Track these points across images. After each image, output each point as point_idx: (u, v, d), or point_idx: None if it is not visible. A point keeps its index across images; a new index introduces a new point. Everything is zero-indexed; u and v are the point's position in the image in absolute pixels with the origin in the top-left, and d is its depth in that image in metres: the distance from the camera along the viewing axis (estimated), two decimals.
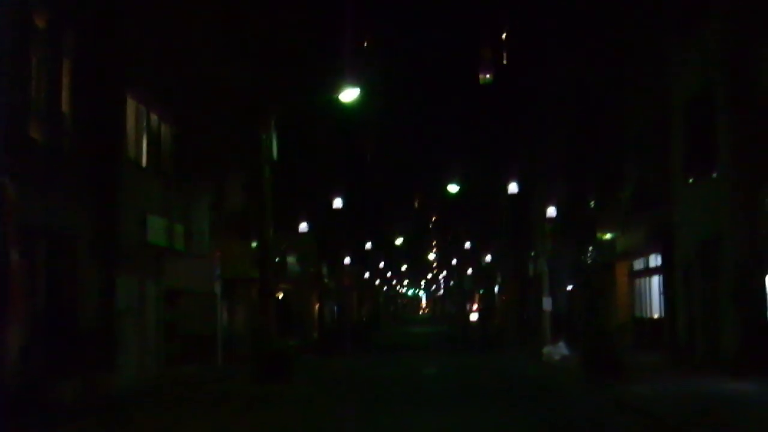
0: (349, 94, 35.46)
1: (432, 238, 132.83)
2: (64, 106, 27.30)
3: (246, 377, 34.71)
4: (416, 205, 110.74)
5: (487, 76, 66.02)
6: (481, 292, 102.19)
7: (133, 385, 31.81)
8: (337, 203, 58.30)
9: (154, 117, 34.31)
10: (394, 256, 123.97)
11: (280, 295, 69.37)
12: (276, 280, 63.23)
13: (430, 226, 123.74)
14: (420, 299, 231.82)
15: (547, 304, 47.26)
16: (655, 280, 42.83)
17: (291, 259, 64.08)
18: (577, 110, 48.94)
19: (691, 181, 35.75)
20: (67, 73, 27.46)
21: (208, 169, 38.85)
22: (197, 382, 34.32)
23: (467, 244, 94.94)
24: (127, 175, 30.81)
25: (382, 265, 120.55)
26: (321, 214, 59.95)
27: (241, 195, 45.34)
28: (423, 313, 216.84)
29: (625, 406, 25.10)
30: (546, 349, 44.55)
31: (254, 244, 54.89)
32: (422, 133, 71.70)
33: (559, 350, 43.74)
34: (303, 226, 56.84)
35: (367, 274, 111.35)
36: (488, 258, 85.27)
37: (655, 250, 41.04)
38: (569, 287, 57.36)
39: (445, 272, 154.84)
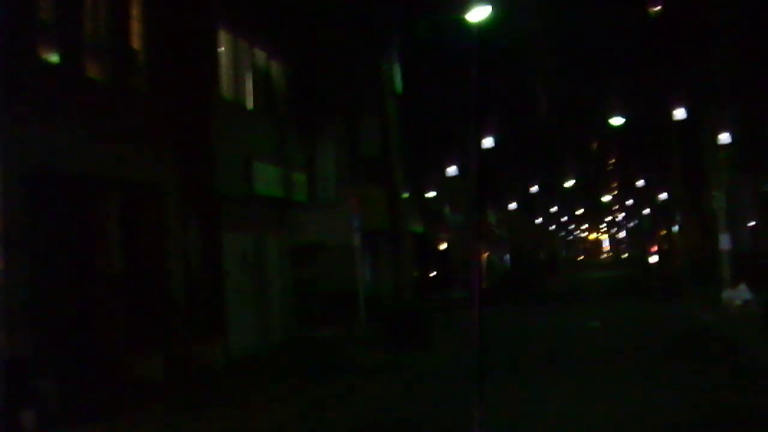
0: (478, 13, 30.85)
1: (610, 180, 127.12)
2: (135, 42, 23.67)
3: (381, 342, 30.84)
4: (594, 147, 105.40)
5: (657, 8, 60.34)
6: (662, 233, 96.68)
7: (252, 352, 28.33)
8: (491, 143, 53.67)
9: (260, 53, 30.55)
10: (568, 200, 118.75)
11: (443, 246, 65.74)
12: (436, 230, 59.85)
13: (608, 168, 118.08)
14: (601, 243, 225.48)
15: (724, 242, 41.95)
16: None
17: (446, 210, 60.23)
18: (747, 20, 43.48)
19: None
20: (137, 3, 23.85)
21: (332, 109, 34.90)
22: (324, 347, 30.54)
23: (640, 182, 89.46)
24: (224, 118, 27.08)
25: (555, 209, 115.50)
26: (479, 157, 55.56)
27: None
28: (605, 257, 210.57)
29: None
30: (725, 294, 39.46)
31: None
32: (580, 62, 66.50)
33: (741, 295, 38.63)
34: (452, 170, 52.51)
35: (539, 220, 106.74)
36: (664, 195, 79.77)
37: None
38: (751, 223, 51.93)
39: (624, 214, 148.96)
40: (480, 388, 8.46)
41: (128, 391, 20.84)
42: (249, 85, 29.56)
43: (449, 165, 52.04)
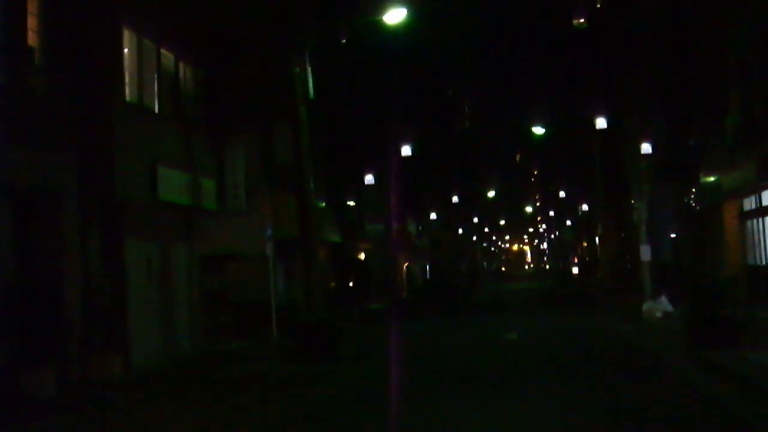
0: (394, 15, 29.97)
1: (531, 191, 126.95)
2: (31, 39, 22.43)
3: (292, 355, 29.68)
4: (517, 159, 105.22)
5: (581, 20, 59.79)
6: (584, 244, 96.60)
7: (157, 366, 27.13)
8: (408, 152, 52.75)
9: (167, 55, 29.35)
10: (490, 211, 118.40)
11: (362, 256, 64.84)
12: (354, 240, 58.86)
13: (531, 179, 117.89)
14: (525, 254, 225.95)
15: (645, 253, 41.33)
16: None
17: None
18: (671, 31, 43.07)
19: None
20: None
21: (243, 114, 33.75)
22: (231, 359, 29.41)
23: (562, 194, 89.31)
24: (127, 122, 25.86)
25: (477, 220, 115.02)
26: (397, 165, 54.56)
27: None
28: (528, 268, 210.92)
29: (739, 379, 19.62)
30: (646, 306, 38.83)
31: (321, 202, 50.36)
32: (498, 68, 66.08)
33: (661, 306, 38.03)
34: (370, 179, 51.50)
35: (461, 230, 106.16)
36: (585, 207, 79.62)
37: None
38: (672, 235, 51.53)
39: (545, 225, 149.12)
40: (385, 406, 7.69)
41: (12, 408, 19.54)
42: (155, 88, 28.33)
43: (367, 174, 51.03)
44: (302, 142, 29.08)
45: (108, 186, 24.68)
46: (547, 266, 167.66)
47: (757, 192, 37.75)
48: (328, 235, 49.89)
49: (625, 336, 32.70)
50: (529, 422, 16.60)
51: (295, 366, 26.99)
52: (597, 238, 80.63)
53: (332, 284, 53.82)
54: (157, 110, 28.41)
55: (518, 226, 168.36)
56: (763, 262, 38.22)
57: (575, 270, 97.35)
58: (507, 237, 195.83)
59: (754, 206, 39.36)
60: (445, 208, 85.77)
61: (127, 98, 26.37)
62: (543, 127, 60.58)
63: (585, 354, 27.41)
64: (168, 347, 29.53)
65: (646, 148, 43.68)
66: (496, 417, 17.26)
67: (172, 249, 30.62)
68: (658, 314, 37.52)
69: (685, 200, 49.11)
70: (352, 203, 56.25)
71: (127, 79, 26.36)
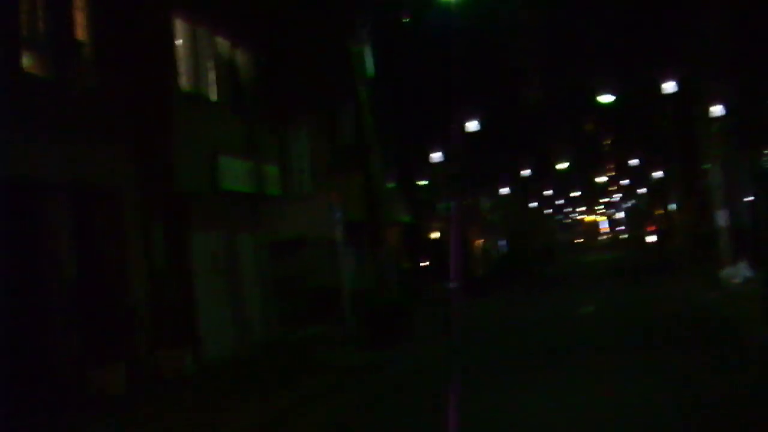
0: None
1: (604, 161, 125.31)
2: (80, 33, 22.11)
3: (365, 340, 29.20)
4: (588, 129, 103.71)
5: None
6: (659, 212, 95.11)
7: (229, 356, 26.84)
8: (476, 126, 51.94)
9: (222, 42, 28.95)
10: (563, 183, 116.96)
11: (436, 236, 64.25)
12: (426, 220, 58.28)
13: (603, 149, 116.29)
14: (599, 225, 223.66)
15: (721, 218, 40.33)
16: None
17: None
18: None
19: None
20: None
21: (303, 97, 33.27)
22: (304, 347, 29.04)
23: (635, 161, 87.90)
24: (185, 112, 25.52)
25: (550, 192, 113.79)
26: (463, 142, 53.77)
27: None
28: (603, 239, 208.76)
29: None
30: (724, 273, 37.85)
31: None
32: (564, 36, 64.74)
33: (741, 272, 37.06)
34: (437, 156, 50.79)
35: (534, 204, 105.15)
36: (660, 174, 78.25)
37: None
38: (750, 198, 50.30)
39: (621, 194, 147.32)
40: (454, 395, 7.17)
41: (86, 407, 19.30)
42: (212, 76, 27.97)
43: (435, 151, 50.36)
44: (365, 122, 28.53)
45: (168, 178, 24.36)
46: (623, 236, 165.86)
47: None
48: (399, 216, 49.40)
49: (704, 305, 31.83)
50: (599, 414, 15.77)
51: (367, 351, 26.57)
52: (672, 205, 79.34)
53: (406, 265, 53.30)
54: (215, 99, 28.04)
55: (592, 196, 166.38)
56: None
57: (652, 238, 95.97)
58: (582, 208, 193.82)
59: None
60: (516, 182, 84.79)
61: (183, 88, 26.04)
62: (613, 95, 59.30)
63: (665, 326, 26.61)
64: (240, 337, 29.22)
65: (718, 110, 42.53)
66: (566, 400, 16.66)
67: (239, 238, 30.26)
68: (738, 280, 36.59)
69: (761, 161, 47.95)
70: (423, 183, 55.67)
71: (182, 69, 26.01)
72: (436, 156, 50.54)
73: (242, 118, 29.49)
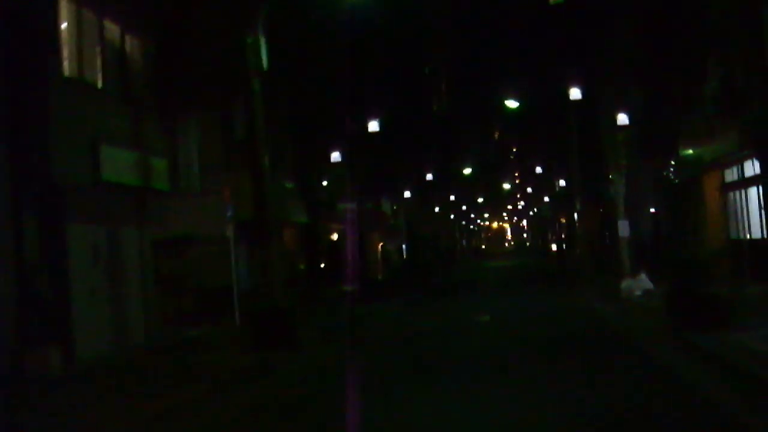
0: None
1: (510, 168, 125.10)
2: None
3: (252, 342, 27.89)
4: (496, 136, 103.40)
5: None
6: (562, 220, 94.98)
7: (106, 357, 25.43)
8: (376, 127, 50.86)
9: (112, 27, 27.53)
10: (468, 188, 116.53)
11: (335, 237, 63.17)
12: (325, 221, 57.02)
13: (509, 156, 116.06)
14: (504, 231, 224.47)
15: (623, 229, 39.73)
16: (753, 193, 35.27)
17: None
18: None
19: None
20: None
21: (197, 91, 31.94)
22: (187, 349, 27.68)
23: (539, 169, 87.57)
24: (65, 98, 24.07)
25: (454, 198, 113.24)
26: (363, 142, 52.69)
27: None
28: (508, 245, 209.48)
29: (724, 364, 17.97)
30: (625, 284, 37.21)
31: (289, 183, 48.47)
32: (472, 41, 64.14)
33: (641, 284, 36.43)
34: (336, 156, 49.60)
35: (438, 209, 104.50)
36: (562, 183, 77.90)
37: (751, 156, 33.34)
38: (651, 210, 49.89)
39: (523, 202, 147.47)
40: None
41: None
42: (98, 62, 26.52)
43: (334, 151, 49.19)
44: (256, 116, 27.20)
45: (44, 167, 22.90)
46: (527, 243, 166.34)
47: (739, 162, 36.08)
48: (296, 216, 48.20)
49: (603, 317, 31.05)
50: (485, 425, 14.81)
51: (252, 355, 25.32)
52: (575, 215, 79.07)
53: (302, 266, 52.13)
54: (100, 86, 26.61)
55: (497, 203, 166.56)
56: (747, 236, 36.58)
57: (554, 247, 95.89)
58: (486, 215, 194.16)
59: (736, 177, 37.68)
60: (420, 185, 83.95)
61: (66, 73, 24.58)
62: (519, 101, 58.73)
63: (559, 339, 25.62)
64: (119, 338, 27.82)
65: (622, 119, 41.95)
66: (452, 414, 15.60)
67: (122, 233, 28.84)
68: (638, 292, 35.99)
69: (664, 173, 47.46)
70: (323, 183, 54.49)
71: (66, 53, 24.57)
72: (336, 155, 49.34)
73: (130, 107, 28.09)
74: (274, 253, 27.50)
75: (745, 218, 36.80)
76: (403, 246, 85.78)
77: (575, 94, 45.99)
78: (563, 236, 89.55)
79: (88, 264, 26.24)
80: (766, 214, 32.19)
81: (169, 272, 34.99)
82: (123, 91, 28.06)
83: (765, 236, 33.41)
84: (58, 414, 17.36)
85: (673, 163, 45.73)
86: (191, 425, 16.44)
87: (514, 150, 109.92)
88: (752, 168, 34.47)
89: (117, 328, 27.88)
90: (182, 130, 30.87)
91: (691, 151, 40.89)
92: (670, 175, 46.82)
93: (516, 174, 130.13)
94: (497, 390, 17.54)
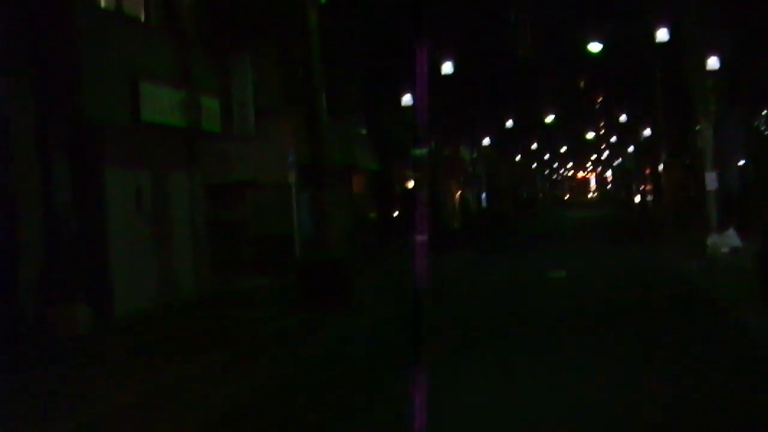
0: None
1: (594, 116, 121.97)
2: None
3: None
4: (581, 84, 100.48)
5: None
6: (647, 171, 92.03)
7: (150, 310, 23.71)
8: (450, 69, 48.51)
9: None
10: (550, 137, 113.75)
11: (409, 185, 61.18)
12: (398, 167, 54.93)
13: (592, 104, 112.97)
14: (588, 181, 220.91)
15: (710, 181, 37.06)
16: None
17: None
18: None
19: None
20: None
21: (252, 24, 29.83)
22: (237, 303, 25.90)
23: (623, 118, 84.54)
24: (100, 31, 22.05)
25: (535, 146, 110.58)
26: (440, 85, 50.29)
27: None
28: (591, 195, 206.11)
29: None
30: (711, 240, 34.65)
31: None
32: None
33: (728, 241, 33.88)
34: (409, 99, 47.34)
35: (519, 157, 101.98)
36: (648, 132, 74.91)
37: None
38: (741, 162, 47.17)
39: (608, 152, 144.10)
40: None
41: None
42: None
43: (406, 94, 46.94)
44: (312, 52, 25.08)
45: (75, 104, 20.96)
46: (611, 194, 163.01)
47: None
48: (365, 162, 46.16)
49: (688, 278, 28.60)
50: (536, 411, 12.57)
51: (302, 312, 23.42)
52: (660, 166, 76.30)
53: (373, 215, 50.14)
54: (143, 18, 24.63)
55: (581, 153, 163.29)
56: None
57: (638, 198, 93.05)
58: (569, 164, 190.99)
59: None
60: (501, 133, 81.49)
61: (102, 4, 22.62)
62: (603, 45, 56.03)
63: (639, 304, 23.26)
64: (166, 290, 26.02)
65: (712, 63, 39.18)
66: (503, 390, 13.49)
67: (170, 177, 26.95)
68: (725, 249, 33.45)
69: (756, 124, 44.76)
70: (396, 128, 52.31)
71: None
72: (409, 99, 47.12)
73: (176, 42, 26.07)
74: (328, 201, 25.46)
75: None
76: (483, 195, 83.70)
77: (661, 35, 43.17)
78: (647, 188, 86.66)
79: (130, 210, 24.47)
80: None
81: (225, 220, 33.20)
82: (168, 24, 26.07)
83: None
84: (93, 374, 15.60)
85: (765, 113, 43.05)
86: (194, 405, 14.30)
87: (599, 99, 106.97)
88: None
89: (163, 279, 26.09)
90: (236, 69, 28.72)
91: None
92: (762, 125, 44.14)
93: (600, 123, 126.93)
94: (560, 365, 15.38)
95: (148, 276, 25.11)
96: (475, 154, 79.37)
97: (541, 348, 17.13)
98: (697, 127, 40.82)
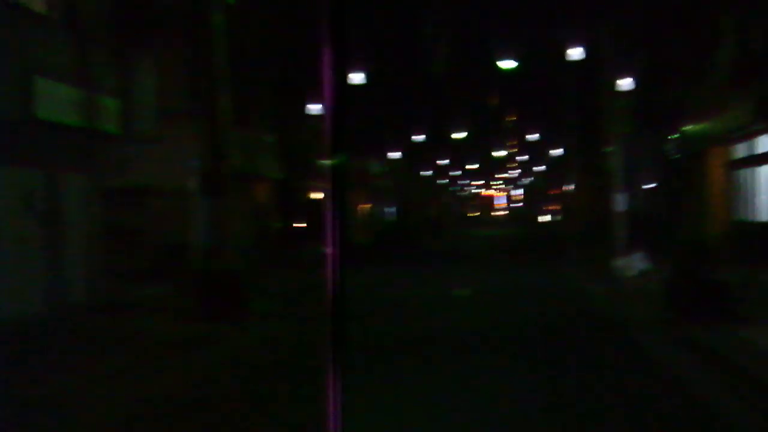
0: None
1: (505, 135, 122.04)
2: None
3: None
4: (493, 102, 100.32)
5: None
6: (555, 191, 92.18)
7: (30, 317, 22.55)
8: (362, 79, 47.74)
9: None
10: (460, 153, 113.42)
11: (315, 195, 60.41)
12: (306, 178, 54.02)
13: (504, 122, 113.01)
14: (496, 199, 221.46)
15: (619, 203, 36.72)
16: (765, 171, 32.34)
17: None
18: None
19: None
20: None
21: (157, 23, 28.80)
22: (128, 311, 24.85)
23: (534, 136, 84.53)
24: None
25: (446, 162, 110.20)
26: (350, 95, 49.49)
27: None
28: (499, 214, 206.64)
29: (741, 372, 15.01)
30: (619, 262, 34.28)
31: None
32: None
33: (636, 263, 33.50)
34: (317, 109, 46.53)
35: (428, 173, 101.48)
36: (559, 152, 74.94)
37: (767, 130, 30.37)
38: (650, 185, 46.95)
39: (518, 171, 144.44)
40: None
41: None
42: None
43: (316, 103, 46.08)
44: (215, 53, 24.11)
45: None
46: (520, 213, 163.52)
47: (751, 137, 33.08)
48: (270, 171, 45.30)
49: (594, 299, 28.06)
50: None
51: (195, 323, 22.47)
52: (570, 186, 76.28)
53: (277, 225, 49.19)
54: (39, 11, 23.50)
55: (491, 170, 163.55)
56: (755, 218, 33.59)
57: (546, 218, 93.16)
58: (479, 182, 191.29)
59: (746, 153, 34.64)
60: (410, 147, 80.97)
61: None
62: (517, 62, 55.63)
63: (542, 325, 22.60)
64: (55, 295, 24.84)
65: (625, 84, 38.85)
66: (398, 411, 12.69)
67: (65, 179, 25.82)
68: (633, 272, 33.08)
69: (665, 147, 44.53)
70: (303, 137, 51.44)
71: None
72: (318, 108, 46.32)
73: (76, 38, 24.95)
74: (227, 210, 24.51)
75: (753, 199, 33.85)
76: (390, 209, 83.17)
77: (575, 54, 42.80)
78: (556, 207, 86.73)
79: (19, 212, 23.30)
80: None
81: (123, 226, 32.10)
82: (68, 19, 24.94)
83: None
84: None
85: (675, 136, 42.85)
86: (66, 421, 13.37)
87: (511, 118, 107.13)
88: (767, 144, 31.54)
89: (52, 285, 24.92)
90: (139, 68, 27.68)
91: (697, 123, 37.96)
92: (671, 148, 43.95)
93: (512, 142, 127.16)
94: (462, 384, 14.61)
95: (35, 281, 23.96)
96: (384, 168, 78.83)
97: (434, 370, 16.33)
98: (608, 149, 40.44)
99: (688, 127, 40.20)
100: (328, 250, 5.04)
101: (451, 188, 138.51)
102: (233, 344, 20.33)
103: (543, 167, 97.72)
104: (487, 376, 15.57)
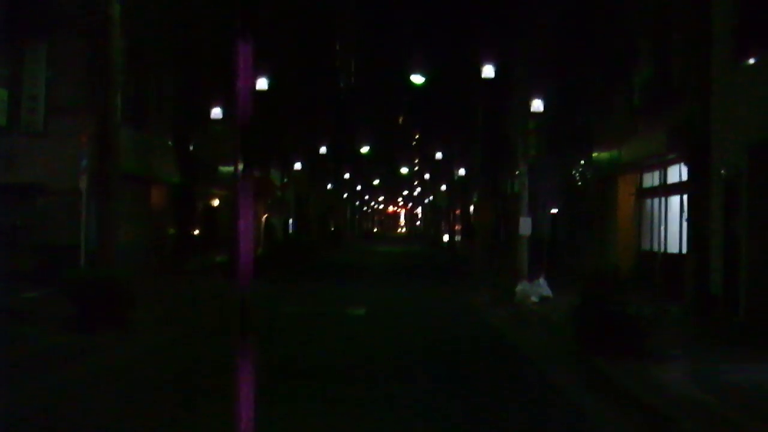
0: None
1: (410, 152, 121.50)
2: None
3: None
4: (399, 120, 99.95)
5: None
6: (457, 212, 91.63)
7: None
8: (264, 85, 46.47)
9: None
10: (364, 168, 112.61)
11: (215, 203, 59.06)
12: (203, 184, 52.52)
13: (410, 140, 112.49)
14: (398, 216, 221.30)
15: (525, 227, 35.75)
16: (675, 201, 31.63)
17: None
18: None
19: (751, 62, 23.76)
20: None
21: (51, 12, 27.34)
22: (6, 318, 23.25)
23: (439, 155, 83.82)
24: None
25: (348, 176, 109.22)
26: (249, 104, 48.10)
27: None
28: (400, 231, 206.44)
29: (651, 413, 14.01)
30: (520, 287, 33.35)
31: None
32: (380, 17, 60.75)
33: (538, 290, 32.59)
34: (217, 112, 45.18)
35: (330, 186, 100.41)
36: (462, 171, 74.23)
37: (679, 160, 29.64)
38: (553, 210, 46.28)
39: (420, 188, 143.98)
40: None
41: None
42: None
43: (215, 106, 44.73)
44: (110, 46, 22.71)
45: None
46: (421, 231, 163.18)
47: (663, 166, 32.41)
48: (167, 175, 43.81)
49: (494, 326, 26.97)
50: None
51: (71, 333, 21.06)
52: (472, 207, 75.66)
53: (171, 231, 47.65)
54: None
55: (394, 187, 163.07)
56: (662, 249, 32.92)
57: (447, 238, 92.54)
58: (381, 198, 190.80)
59: (656, 182, 33.98)
60: (313, 159, 79.84)
61: None
62: (426, 78, 54.87)
63: (438, 352, 21.42)
64: None
65: (536, 105, 38.10)
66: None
67: None
68: (534, 298, 32.18)
69: (573, 171, 43.90)
70: (204, 142, 50.01)
71: None
72: (215, 112, 45.02)
73: None
74: (112, 212, 23.12)
75: (661, 229, 33.18)
76: (290, 221, 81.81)
77: (486, 72, 41.97)
78: (457, 228, 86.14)
79: None
80: (687, 226, 28.34)
81: (6, 224, 30.57)
82: None
83: (683, 251, 29.67)
84: None
85: (583, 162, 42.24)
86: None
87: (416, 135, 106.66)
88: (678, 174, 30.85)
89: None
90: (29, 59, 26.19)
91: (608, 149, 37.32)
92: (578, 174, 43.33)
93: (416, 159, 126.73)
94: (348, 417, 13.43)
95: None
96: (285, 179, 77.47)
97: (313, 398, 15.14)
98: (517, 171, 39.63)
99: (598, 153, 39.56)
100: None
101: (353, 203, 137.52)
102: (110, 356, 18.95)
103: (445, 187, 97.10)
104: (364, 407, 14.41)
